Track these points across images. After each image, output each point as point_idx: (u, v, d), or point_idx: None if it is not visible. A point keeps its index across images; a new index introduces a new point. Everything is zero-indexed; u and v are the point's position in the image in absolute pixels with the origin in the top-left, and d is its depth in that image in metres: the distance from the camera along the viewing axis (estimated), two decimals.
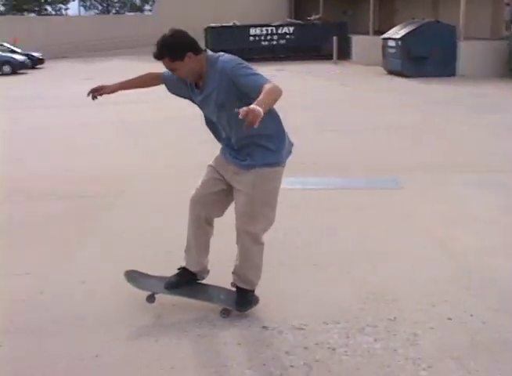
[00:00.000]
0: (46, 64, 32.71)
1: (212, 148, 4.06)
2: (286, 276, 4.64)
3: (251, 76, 3.38)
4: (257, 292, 3.96)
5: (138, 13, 59.82)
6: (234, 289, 3.97)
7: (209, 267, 4.16)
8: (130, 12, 63.58)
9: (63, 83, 23.26)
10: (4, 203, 7.12)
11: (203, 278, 4.17)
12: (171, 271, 4.16)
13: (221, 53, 3.63)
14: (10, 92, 20.54)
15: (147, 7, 63.38)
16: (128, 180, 7.86)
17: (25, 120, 13.89)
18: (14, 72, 28.72)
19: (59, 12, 62.30)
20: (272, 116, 3.52)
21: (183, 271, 4.11)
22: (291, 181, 6.76)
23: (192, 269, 4.09)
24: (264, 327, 3.82)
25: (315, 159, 8.54)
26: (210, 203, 3.87)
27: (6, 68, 28.82)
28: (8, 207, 6.96)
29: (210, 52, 3.65)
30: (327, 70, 24.37)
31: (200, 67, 3.54)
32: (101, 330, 3.90)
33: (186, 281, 4.09)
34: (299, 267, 4.83)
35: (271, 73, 23.33)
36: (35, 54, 32.80)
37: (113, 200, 7.00)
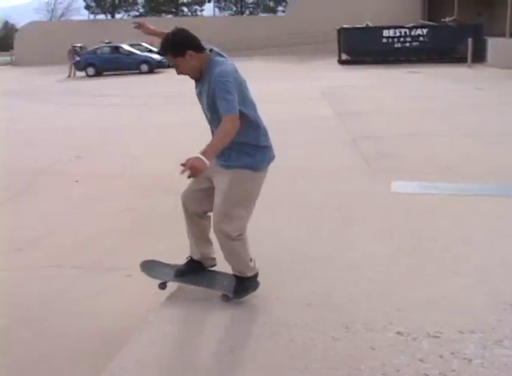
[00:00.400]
0: None
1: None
2: (422, 282, 4.53)
3: (222, 100, 3.50)
4: (394, 297, 3.88)
5: (271, 14, 60.62)
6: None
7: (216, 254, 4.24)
8: (263, 13, 64.57)
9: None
10: (138, 198, 7.46)
11: (211, 265, 4.33)
12: None
13: (223, 61, 3.76)
14: (152, 90, 21.47)
15: (280, 8, 64.04)
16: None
17: (166, 116, 14.53)
18: (151, 71, 30.13)
19: (194, 14, 64.47)
20: (253, 127, 3.75)
21: (189, 260, 4.33)
22: (425, 185, 6.59)
23: (195, 257, 4.29)
24: (398, 332, 3.75)
25: (448, 163, 8.26)
26: (196, 199, 4.03)
27: (144, 67, 30.32)
28: (144, 202, 7.30)
29: (215, 55, 3.80)
30: (461, 73, 23.51)
31: (201, 65, 3.73)
32: (235, 326, 4.01)
33: (192, 269, 4.28)
34: (435, 273, 4.70)
35: (403, 75, 22.99)
36: None
37: None
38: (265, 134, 3.91)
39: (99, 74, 30.44)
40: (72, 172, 8.76)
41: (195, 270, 4.31)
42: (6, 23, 77.34)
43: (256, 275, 4.10)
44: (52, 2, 70.90)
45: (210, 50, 3.82)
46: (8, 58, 48.15)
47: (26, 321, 4.31)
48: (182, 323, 4.12)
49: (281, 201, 6.69)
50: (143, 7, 63.60)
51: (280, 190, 6.84)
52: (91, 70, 30.63)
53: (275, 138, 4.20)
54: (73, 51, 31.92)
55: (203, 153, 3.33)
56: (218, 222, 3.82)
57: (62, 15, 70.78)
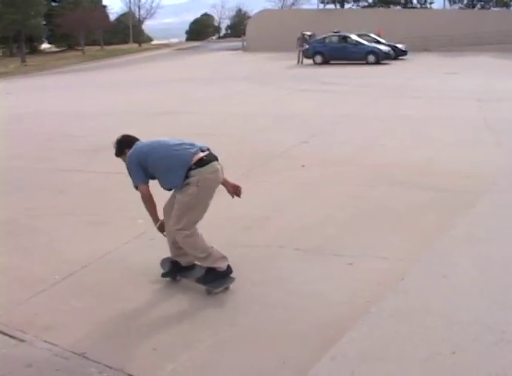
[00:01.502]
0: (408, 56, 33.32)
1: None
2: None
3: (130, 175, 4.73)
4: None
5: (504, 9, 56.82)
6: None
7: None
8: (495, 7, 60.69)
9: (424, 74, 23.45)
10: (364, 187, 7.48)
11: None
12: None
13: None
14: (377, 81, 21.40)
15: None
16: (490, 178, 7.57)
17: (387, 108, 14.41)
18: (377, 62, 29.93)
19: (423, 6, 62.68)
20: (169, 174, 4.59)
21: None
22: None
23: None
24: None
25: None
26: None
27: (371, 58, 30.21)
28: (368, 191, 7.29)
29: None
30: None
31: None
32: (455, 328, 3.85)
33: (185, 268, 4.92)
34: None
35: None
36: (399, 45, 33.70)
37: (475, 198, 6.80)
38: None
39: (325, 62, 30.96)
40: (299, 157, 9.04)
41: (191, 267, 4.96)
42: (239, 11, 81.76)
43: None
44: None
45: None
46: (239, 43, 50.89)
47: (252, 297, 4.54)
48: (404, 317, 4.06)
49: None
50: None
51: None
52: (318, 58, 31.26)
53: None
54: (303, 38, 32.81)
55: None
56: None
57: (293, 3, 73.02)
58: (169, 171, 4.56)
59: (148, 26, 78.17)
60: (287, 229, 5.96)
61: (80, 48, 57.47)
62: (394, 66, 28.67)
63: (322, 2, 60.20)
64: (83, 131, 12.26)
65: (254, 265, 5.12)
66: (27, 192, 7.73)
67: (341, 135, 11.01)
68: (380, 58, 30.31)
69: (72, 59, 47.78)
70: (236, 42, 53.38)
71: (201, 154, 4.57)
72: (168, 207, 4.78)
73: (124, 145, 4.82)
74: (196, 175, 4.50)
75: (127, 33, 65.80)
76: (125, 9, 71.67)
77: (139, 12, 70.64)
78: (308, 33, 35.03)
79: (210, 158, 4.62)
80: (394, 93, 17.55)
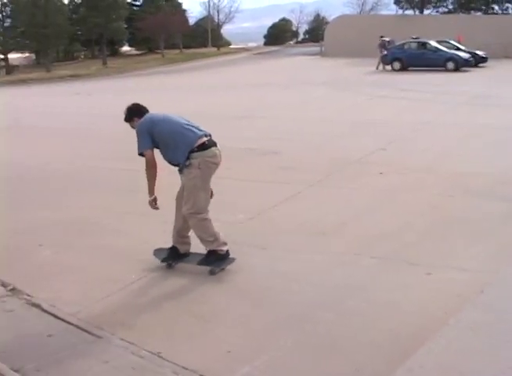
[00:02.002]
0: (488, 63, 32.36)
1: None
2: None
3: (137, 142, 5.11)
4: None
5: None
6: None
7: None
8: None
9: (504, 82, 22.75)
10: (443, 196, 7.32)
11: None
12: None
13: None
14: (456, 89, 20.91)
15: None
16: None
17: (469, 116, 14.08)
18: (457, 69, 29.20)
19: (505, 12, 60.78)
20: (173, 149, 5.03)
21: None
22: None
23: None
24: None
25: None
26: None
27: (450, 65, 29.49)
28: (448, 200, 7.13)
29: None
30: None
31: None
32: None
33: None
34: None
35: None
36: (479, 52, 32.75)
37: None
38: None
39: (404, 68, 30.45)
40: (376, 163, 8.95)
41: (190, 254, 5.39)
42: (317, 16, 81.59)
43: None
44: None
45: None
46: (317, 49, 50.78)
47: (327, 303, 4.52)
48: (484, 330, 3.94)
49: None
50: (452, 3, 61.80)
51: None
52: (396, 65, 30.76)
53: None
54: (382, 44, 32.40)
55: None
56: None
57: (371, 9, 72.32)
58: (175, 148, 5.01)
59: (226, 30, 79.30)
60: (364, 236, 5.89)
61: (159, 51, 58.91)
62: (473, 74, 27.89)
63: (401, 8, 59.35)
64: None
65: (328, 271, 5.09)
66: (104, 191, 7.99)
67: (420, 143, 10.82)
68: (460, 65, 29.54)
69: (151, 62, 48.99)
70: (314, 47, 53.35)
71: (204, 139, 5.03)
72: (179, 197, 5.22)
73: (134, 113, 5.32)
74: (198, 157, 4.96)
75: (205, 37, 66.86)
76: (204, 13, 73.08)
77: (218, 16, 71.91)
78: (387, 39, 34.58)
79: (211, 144, 5.06)
80: (474, 101, 17.09)
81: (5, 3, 62.40)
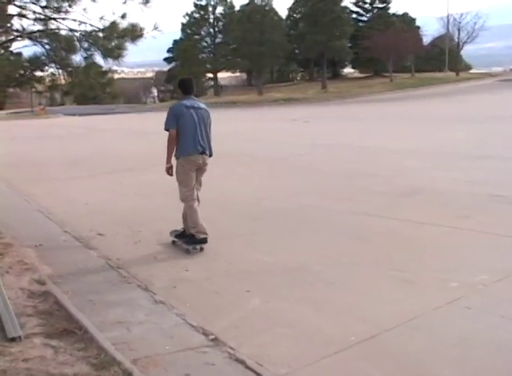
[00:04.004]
0: None
1: None
2: None
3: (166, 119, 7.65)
4: None
5: None
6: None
7: None
8: None
9: None
10: None
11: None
12: None
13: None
14: None
15: None
16: None
17: None
18: None
19: None
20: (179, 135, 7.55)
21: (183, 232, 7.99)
22: None
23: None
24: None
25: None
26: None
27: None
28: None
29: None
30: None
31: None
32: None
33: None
34: None
35: None
36: None
37: None
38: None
39: None
40: None
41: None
42: None
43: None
44: None
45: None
46: None
47: None
48: None
49: None
50: None
51: None
52: None
53: None
54: None
55: None
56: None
57: None
58: (178, 142, 7.55)
59: (466, 51, 77.30)
60: None
61: (387, 74, 59.06)
62: None
63: None
64: (386, 169, 12.53)
65: None
66: (322, 235, 8.07)
67: None
68: None
69: (376, 87, 49.54)
70: None
71: (197, 154, 7.56)
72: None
73: (181, 86, 7.87)
74: (182, 158, 7.58)
75: (442, 59, 65.83)
76: (442, 31, 71.80)
77: (459, 34, 70.17)
78: None
79: (197, 155, 7.57)
80: None
81: (217, 17, 66.39)
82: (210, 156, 7.77)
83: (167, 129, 7.54)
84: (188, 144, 7.54)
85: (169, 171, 7.61)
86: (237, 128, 24.69)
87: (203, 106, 7.83)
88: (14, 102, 57.89)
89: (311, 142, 18.37)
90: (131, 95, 79.04)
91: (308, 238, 8.00)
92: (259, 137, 20.92)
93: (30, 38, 9.51)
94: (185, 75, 9.08)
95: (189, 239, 7.67)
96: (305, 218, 9.05)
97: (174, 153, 7.59)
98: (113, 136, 26.14)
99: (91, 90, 10.67)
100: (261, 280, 6.43)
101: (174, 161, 7.65)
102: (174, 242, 7.87)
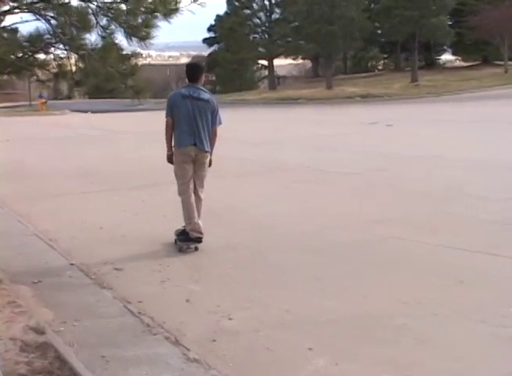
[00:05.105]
0: None
1: None
2: None
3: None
4: None
5: None
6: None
7: None
8: None
9: None
10: None
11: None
12: None
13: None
14: None
15: None
16: None
17: None
18: None
19: None
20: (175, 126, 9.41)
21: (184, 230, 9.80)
22: None
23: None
24: None
25: None
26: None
27: None
28: None
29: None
30: None
31: None
32: None
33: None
34: None
35: None
36: None
37: None
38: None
39: None
40: None
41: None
42: None
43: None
44: None
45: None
46: None
47: None
48: None
49: None
50: None
51: None
52: None
53: None
54: None
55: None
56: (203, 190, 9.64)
57: None
58: (174, 132, 9.34)
59: None
60: None
61: (501, 63, 58.09)
62: None
63: None
64: (496, 191, 12.55)
65: None
66: (410, 277, 8.03)
67: None
68: None
69: (486, 80, 48.98)
70: None
71: (189, 145, 9.19)
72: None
73: (186, 70, 9.50)
74: (175, 149, 9.32)
75: None
76: None
77: None
78: None
79: (190, 146, 9.21)
80: None
81: None
82: (207, 151, 9.40)
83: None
84: (180, 135, 9.31)
85: (169, 158, 9.46)
86: (298, 133, 24.67)
87: (206, 97, 9.33)
88: (7, 93, 58.49)
89: (395, 153, 18.35)
90: (159, 88, 79.45)
91: (391, 280, 7.96)
92: (327, 146, 20.92)
93: (30, 11, 9.42)
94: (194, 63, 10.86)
95: (184, 236, 9.35)
96: (387, 254, 9.02)
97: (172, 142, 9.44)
98: (135, 140, 26.51)
99: (109, 81, 10.50)
100: (327, 334, 6.40)
101: None
102: (176, 241, 9.54)
